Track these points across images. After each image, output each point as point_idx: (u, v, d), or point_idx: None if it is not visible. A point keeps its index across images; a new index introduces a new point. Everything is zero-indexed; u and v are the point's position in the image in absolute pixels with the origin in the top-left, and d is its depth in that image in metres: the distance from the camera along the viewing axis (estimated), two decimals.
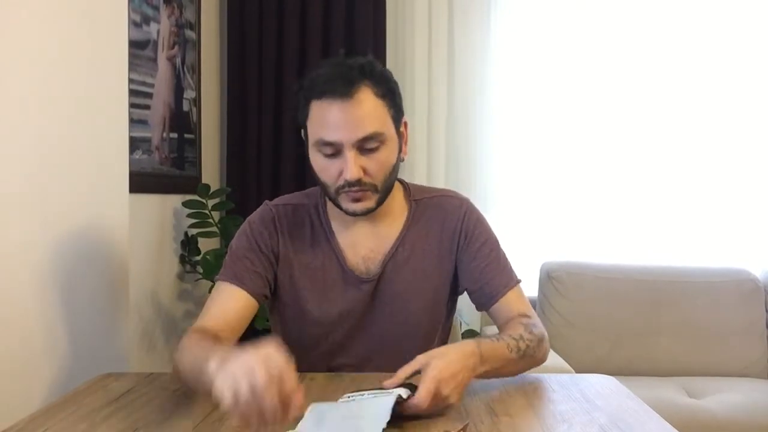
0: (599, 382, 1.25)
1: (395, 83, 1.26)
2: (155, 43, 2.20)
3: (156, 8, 2.20)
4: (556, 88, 3.03)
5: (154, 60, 2.20)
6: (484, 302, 1.33)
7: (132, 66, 1.92)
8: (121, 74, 1.66)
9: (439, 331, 1.38)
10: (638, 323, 2.76)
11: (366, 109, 1.18)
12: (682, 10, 3.00)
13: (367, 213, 1.25)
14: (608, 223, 3.06)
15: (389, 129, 1.22)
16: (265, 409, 0.81)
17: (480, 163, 2.97)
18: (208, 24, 2.76)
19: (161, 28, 2.25)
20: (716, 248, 3.02)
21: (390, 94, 1.23)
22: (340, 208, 1.25)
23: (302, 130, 1.26)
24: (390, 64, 2.86)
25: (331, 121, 1.17)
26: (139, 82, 2.08)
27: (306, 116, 1.22)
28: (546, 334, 1.26)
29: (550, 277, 2.83)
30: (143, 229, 2.12)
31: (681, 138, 3.04)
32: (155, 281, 2.24)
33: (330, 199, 1.27)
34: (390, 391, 0.98)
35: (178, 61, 2.40)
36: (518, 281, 1.35)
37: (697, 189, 3.04)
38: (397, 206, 1.34)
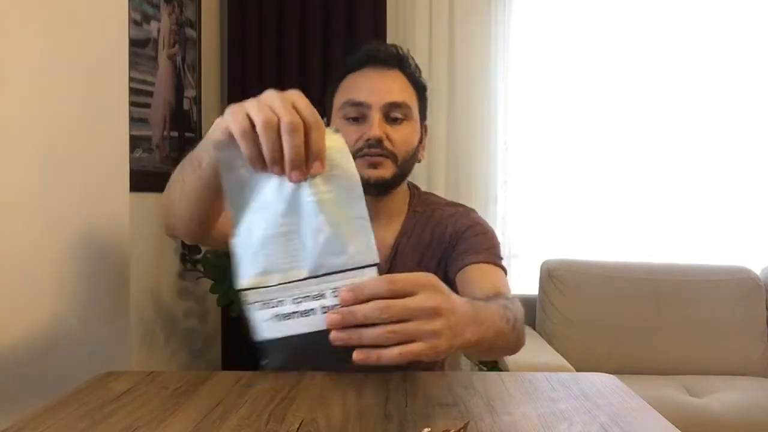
0: (600, 381, 1.25)
1: (425, 85, 1.29)
2: (155, 41, 2.20)
3: (156, 7, 2.20)
4: (557, 86, 3.04)
5: (155, 58, 2.20)
6: (456, 269, 1.24)
7: (132, 64, 1.92)
8: (122, 73, 1.65)
9: None
10: (639, 321, 2.76)
11: (399, 82, 1.22)
12: (685, 10, 3.00)
13: (381, 185, 1.22)
14: (609, 222, 3.07)
15: (415, 112, 1.24)
16: (290, 145, 0.67)
17: (481, 161, 2.97)
18: (209, 22, 2.76)
19: (161, 27, 2.25)
20: (717, 246, 3.03)
21: (420, 89, 1.27)
22: None
23: (327, 105, 1.28)
24: None
25: (363, 84, 1.20)
26: (140, 81, 2.08)
27: (334, 93, 1.24)
28: (523, 318, 1.10)
29: (550, 276, 2.83)
30: (144, 228, 2.11)
31: (681, 137, 3.04)
32: (156, 280, 2.24)
33: None
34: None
35: (179, 59, 2.40)
36: (502, 266, 1.25)
37: (698, 187, 3.04)
38: (397, 210, 1.32)
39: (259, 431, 0.97)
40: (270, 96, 0.71)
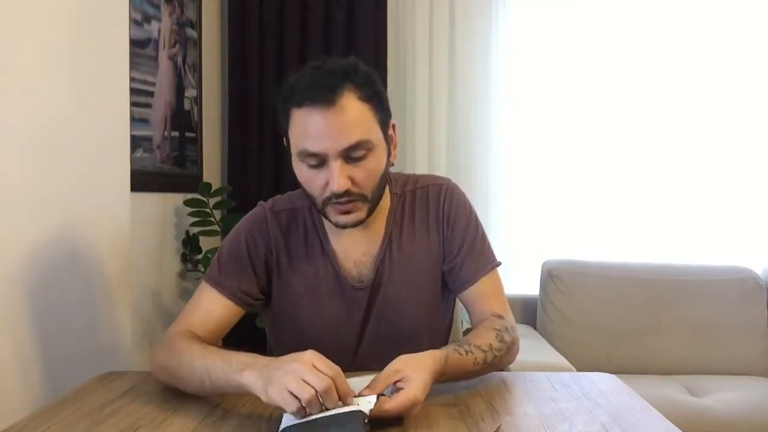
0: (600, 380, 1.25)
1: (381, 84, 1.18)
2: (156, 41, 2.20)
3: (157, 7, 2.20)
4: (557, 86, 3.03)
5: (155, 59, 2.20)
6: (456, 287, 1.30)
7: (133, 65, 1.92)
8: (122, 73, 1.66)
9: (437, 331, 1.36)
10: (639, 321, 2.76)
11: (350, 116, 1.10)
12: (683, 10, 3.00)
13: (358, 225, 1.20)
14: (609, 222, 3.06)
15: (376, 135, 1.15)
16: (329, 404, 0.92)
17: (481, 162, 2.97)
18: (209, 22, 2.76)
19: (162, 27, 2.25)
20: (718, 246, 3.03)
21: (375, 97, 1.15)
22: (329, 221, 1.20)
23: (284, 139, 1.21)
24: (391, 61, 2.86)
25: (314, 130, 1.10)
26: (140, 81, 2.08)
27: (287, 125, 1.16)
28: (517, 337, 1.24)
29: (551, 276, 2.83)
30: (145, 228, 2.12)
31: (682, 137, 3.04)
32: (156, 280, 2.24)
33: (318, 211, 1.23)
34: (356, 407, 0.94)
35: (179, 59, 2.40)
36: (494, 266, 1.30)
37: (699, 187, 3.04)
38: (382, 202, 1.28)
39: (260, 431, 0.97)
40: (299, 369, 0.92)
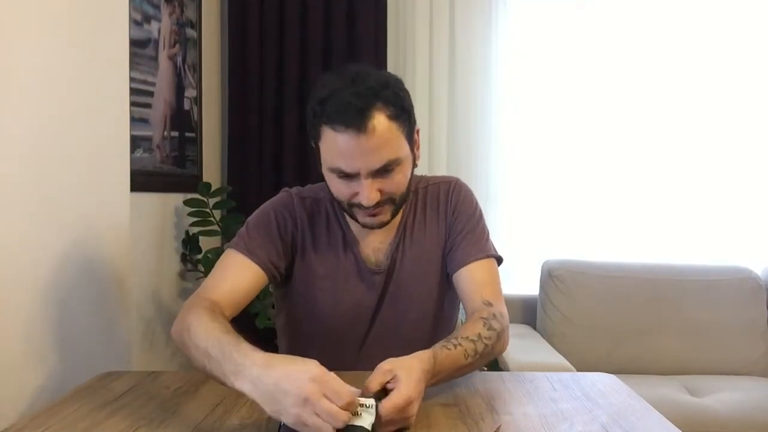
0: (600, 381, 1.25)
1: (408, 96, 1.21)
2: (156, 41, 2.20)
3: (157, 7, 2.20)
4: (558, 86, 3.03)
5: (155, 59, 2.20)
6: (450, 268, 1.33)
7: (133, 65, 1.92)
8: (122, 73, 1.66)
9: (443, 320, 1.40)
10: (639, 322, 2.76)
11: (381, 138, 1.13)
12: (684, 10, 3.00)
13: (383, 226, 1.25)
14: (609, 222, 3.06)
15: (404, 149, 1.20)
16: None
17: (481, 162, 2.98)
18: (209, 22, 2.76)
19: (162, 27, 2.25)
20: (718, 247, 3.02)
21: (404, 114, 1.18)
22: (356, 220, 1.26)
23: (312, 141, 1.24)
24: (391, 60, 2.87)
25: (346, 152, 1.14)
26: (140, 81, 2.08)
27: (317, 137, 1.19)
28: (506, 323, 1.23)
29: (551, 276, 2.83)
30: (144, 228, 2.12)
31: (682, 137, 3.04)
32: (156, 280, 2.24)
33: (343, 210, 1.28)
34: (359, 417, 0.92)
35: (179, 59, 2.40)
36: (489, 256, 1.32)
37: (699, 187, 3.04)
38: None
39: (260, 431, 0.97)
40: (311, 400, 0.86)
